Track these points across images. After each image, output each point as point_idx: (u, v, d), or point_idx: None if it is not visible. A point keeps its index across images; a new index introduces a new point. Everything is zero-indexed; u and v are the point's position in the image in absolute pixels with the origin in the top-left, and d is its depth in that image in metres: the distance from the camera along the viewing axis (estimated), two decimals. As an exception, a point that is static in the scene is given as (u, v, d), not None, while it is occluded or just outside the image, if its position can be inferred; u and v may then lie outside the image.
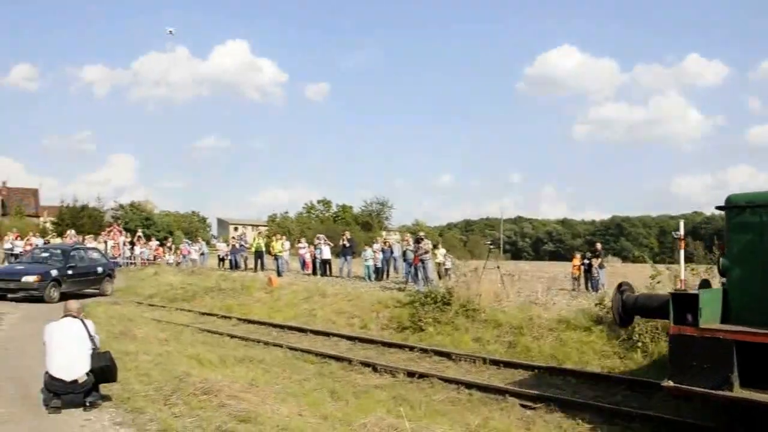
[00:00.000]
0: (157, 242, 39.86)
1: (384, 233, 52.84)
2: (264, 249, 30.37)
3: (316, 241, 28.54)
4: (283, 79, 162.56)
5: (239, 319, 17.27)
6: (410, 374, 10.75)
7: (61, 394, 6.92)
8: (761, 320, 7.06)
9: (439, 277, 22.55)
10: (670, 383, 7.28)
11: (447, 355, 12.35)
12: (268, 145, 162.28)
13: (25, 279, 19.19)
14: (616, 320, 8.96)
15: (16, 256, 29.23)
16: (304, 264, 29.98)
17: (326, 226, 68.73)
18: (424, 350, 12.83)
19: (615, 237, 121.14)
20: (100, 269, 22.74)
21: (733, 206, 7.76)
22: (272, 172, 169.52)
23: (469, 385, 9.91)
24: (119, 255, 33.57)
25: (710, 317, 7.30)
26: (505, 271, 19.40)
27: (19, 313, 15.95)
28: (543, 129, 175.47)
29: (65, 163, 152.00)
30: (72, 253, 22.04)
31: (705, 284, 8.29)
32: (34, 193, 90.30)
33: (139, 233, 38.91)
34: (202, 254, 35.41)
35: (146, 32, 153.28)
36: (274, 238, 32.04)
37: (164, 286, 24.65)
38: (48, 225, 52.78)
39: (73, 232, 36.16)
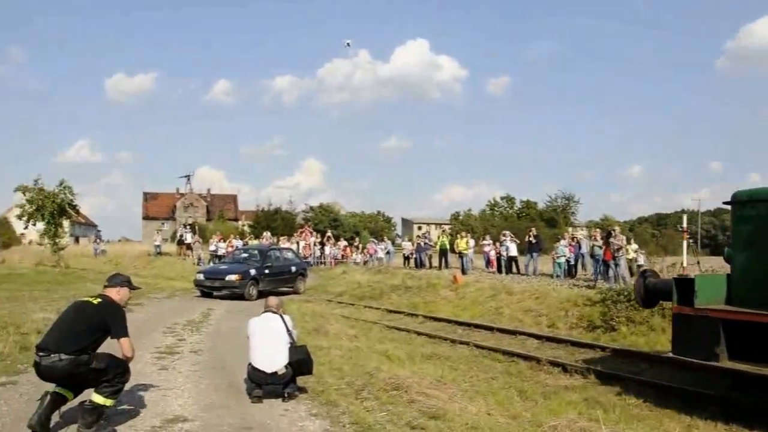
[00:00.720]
0: (345, 242, 41.38)
1: (570, 229, 51.32)
2: (448, 247, 30.58)
3: (502, 238, 28.31)
4: (463, 75, 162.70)
5: (425, 317, 17.51)
6: (602, 375, 10.34)
7: (263, 385, 7.37)
8: (759, 303, 7.99)
9: (631, 274, 21.54)
10: (671, 355, 9.00)
11: (642, 357, 11.76)
12: (450, 142, 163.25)
13: (228, 278, 20.69)
14: (639, 302, 10.12)
15: (220, 257, 31.60)
16: (488, 261, 29.86)
17: (510, 222, 68.04)
18: (616, 351, 12.30)
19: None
20: (293, 268, 23.99)
21: (737, 201, 8.93)
22: (454, 170, 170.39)
23: (668, 390, 9.36)
24: (310, 255, 35.18)
25: (707, 299, 8.44)
26: (707, 268, 18.14)
27: (223, 309, 17.19)
28: (747, 110, 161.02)
29: (260, 170, 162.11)
30: (268, 254, 23.48)
31: None
32: (234, 198, 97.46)
33: (329, 234, 40.59)
34: (388, 253, 36.32)
35: (329, 40, 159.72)
36: (458, 236, 32.20)
37: (352, 284, 25.57)
38: (246, 228, 56.54)
39: (268, 233, 38.49)
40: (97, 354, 5.92)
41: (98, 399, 5.87)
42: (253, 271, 21.34)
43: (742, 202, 8.89)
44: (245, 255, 24.09)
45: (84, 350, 5.78)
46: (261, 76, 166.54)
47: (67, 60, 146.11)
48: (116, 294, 6.31)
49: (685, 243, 10.13)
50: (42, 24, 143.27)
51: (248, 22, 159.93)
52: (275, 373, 7.32)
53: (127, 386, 7.52)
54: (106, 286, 6.34)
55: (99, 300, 6.11)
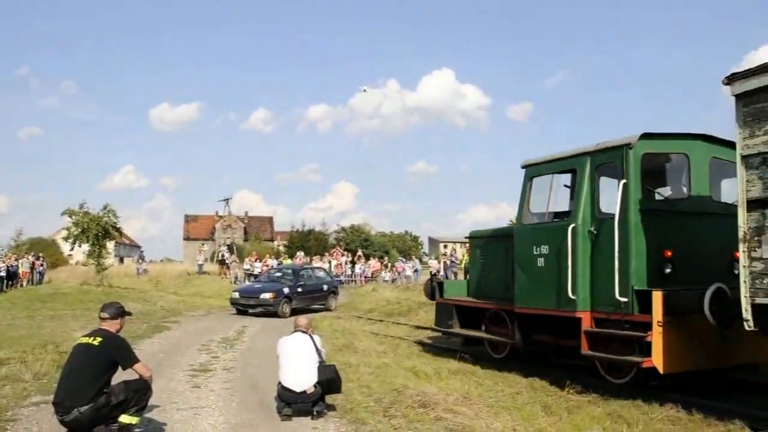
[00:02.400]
0: (376, 260, 41.20)
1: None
2: (473, 265, 30.26)
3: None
4: (487, 103, 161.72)
5: (451, 332, 17.12)
6: (624, 390, 9.91)
7: (292, 404, 7.15)
8: (476, 296, 13.02)
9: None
10: (434, 327, 14.55)
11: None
12: (474, 166, 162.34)
13: (263, 296, 20.55)
14: (427, 297, 14.65)
15: (256, 275, 31.56)
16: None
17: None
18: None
19: None
20: (325, 287, 23.81)
21: (469, 237, 14.63)
22: (478, 192, 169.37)
23: (691, 403, 8.92)
24: (342, 273, 35.06)
25: (452, 294, 13.48)
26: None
27: (257, 327, 17.03)
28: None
29: (295, 193, 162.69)
30: (301, 273, 23.40)
31: None
32: (270, 220, 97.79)
33: (359, 253, 40.46)
34: (416, 271, 36.09)
35: (361, 70, 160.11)
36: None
37: (382, 301, 25.30)
38: (281, 248, 56.66)
39: (302, 253, 38.51)
40: (112, 388, 5.72)
41: (124, 419, 5.71)
42: (286, 290, 21.22)
43: (470, 237, 14.34)
44: (279, 274, 24.06)
45: (99, 393, 5.60)
46: (297, 105, 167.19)
47: (114, 91, 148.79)
48: (116, 326, 6.08)
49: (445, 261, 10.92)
50: (90, 58, 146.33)
51: (284, 55, 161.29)
52: (304, 392, 7.09)
53: (159, 404, 7.38)
54: (103, 319, 6.06)
55: (99, 339, 5.83)
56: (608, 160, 9.48)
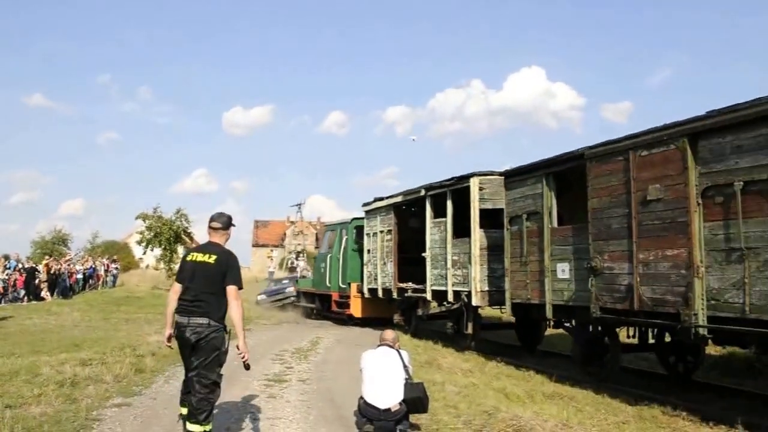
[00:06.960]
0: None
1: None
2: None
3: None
4: (581, 103, 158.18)
5: (544, 351, 16.57)
6: (751, 426, 9.27)
7: (374, 420, 6.98)
8: (314, 286, 24.28)
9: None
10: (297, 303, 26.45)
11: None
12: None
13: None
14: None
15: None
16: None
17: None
18: (766, 398, 11.07)
19: None
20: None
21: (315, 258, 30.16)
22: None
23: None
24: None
25: (303, 285, 26.18)
26: None
27: (331, 338, 17.06)
28: None
29: (370, 198, 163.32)
30: (303, 275, 29.85)
31: None
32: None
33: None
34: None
35: (442, 69, 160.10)
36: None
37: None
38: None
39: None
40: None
41: (196, 428, 5.67)
42: (290, 289, 27.46)
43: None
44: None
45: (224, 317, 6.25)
46: (374, 107, 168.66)
47: (189, 95, 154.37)
48: (226, 236, 6.42)
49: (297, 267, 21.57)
50: (166, 63, 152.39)
51: (360, 55, 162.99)
52: (388, 409, 6.89)
53: (235, 413, 7.38)
54: (215, 229, 6.29)
55: (214, 257, 6.21)
56: (344, 227, 21.97)
